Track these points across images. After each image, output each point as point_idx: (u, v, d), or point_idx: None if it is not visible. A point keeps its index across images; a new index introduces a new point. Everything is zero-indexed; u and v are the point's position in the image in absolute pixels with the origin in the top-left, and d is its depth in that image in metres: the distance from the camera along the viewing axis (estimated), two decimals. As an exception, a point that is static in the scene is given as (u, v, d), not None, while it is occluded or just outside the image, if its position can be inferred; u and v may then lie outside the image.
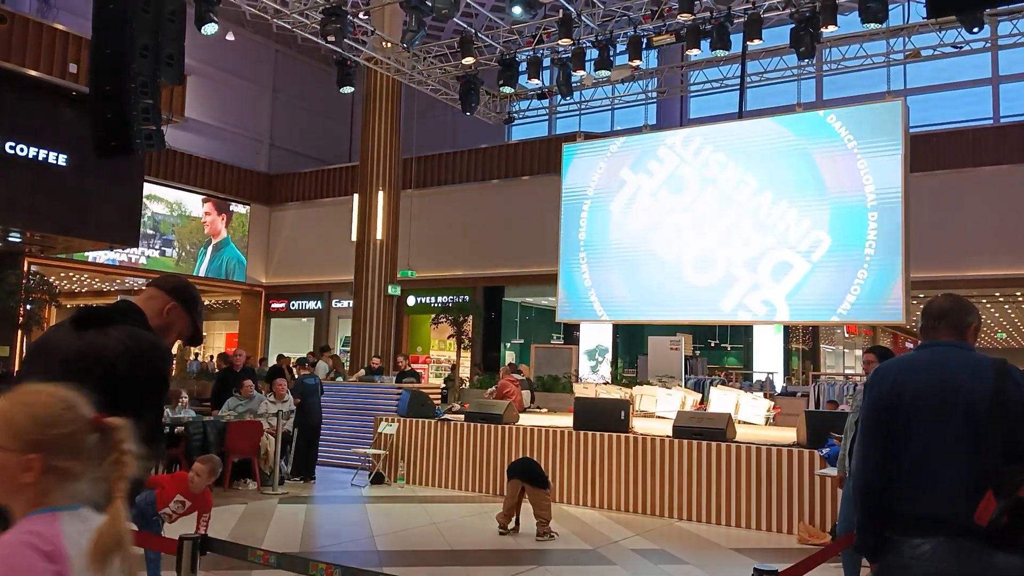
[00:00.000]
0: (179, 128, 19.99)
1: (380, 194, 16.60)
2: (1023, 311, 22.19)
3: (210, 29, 12.46)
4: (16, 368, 14.48)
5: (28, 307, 16.41)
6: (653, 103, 19.69)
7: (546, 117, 21.70)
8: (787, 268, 12.04)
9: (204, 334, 2.80)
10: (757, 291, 12.39)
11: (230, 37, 22.29)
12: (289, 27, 13.91)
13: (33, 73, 13.89)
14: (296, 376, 12.24)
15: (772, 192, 12.30)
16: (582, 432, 9.39)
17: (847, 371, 19.80)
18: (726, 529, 8.27)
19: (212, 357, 24.51)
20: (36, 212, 14.60)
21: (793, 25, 12.65)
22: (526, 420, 10.63)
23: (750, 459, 8.36)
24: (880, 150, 11.26)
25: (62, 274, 21.14)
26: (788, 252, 12.07)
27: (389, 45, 14.97)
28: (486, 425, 10.09)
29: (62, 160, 14.63)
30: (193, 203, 22.41)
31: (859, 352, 20.62)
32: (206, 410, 11.00)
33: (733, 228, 12.65)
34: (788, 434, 9.22)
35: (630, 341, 20.76)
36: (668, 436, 8.90)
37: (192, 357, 23.26)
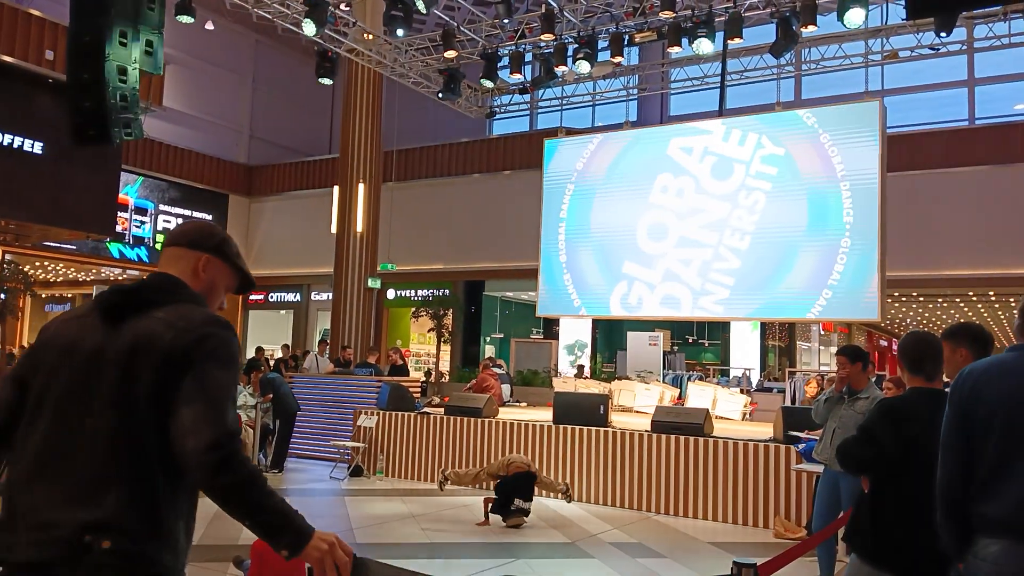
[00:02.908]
0: (158, 117, 19.78)
1: (360, 187, 16.55)
2: (995, 310, 22.53)
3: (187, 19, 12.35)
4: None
5: (2, 296, 16.22)
6: (634, 100, 19.77)
7: (528, 112, 21.72)
8: (761, 267, 12.12)
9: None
10: (725, 288, 12.47)
11: (209, 26, 22.10)
12: (269, 17, 13.81)
13: (8, 59, 13.71)
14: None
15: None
16: (561, 426, 9.44)
17: (823, 368, 20.00)
18: (703, 523, 8.35)
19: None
20: (11, 200, 14.42)
21: (773, 24, 12.75)
22: (506, 414, 10.67)
23: (727, 454, 8.44)
24: (857, 150, 11.36)
25: (37, 263, 20.88)
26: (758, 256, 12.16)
27: (371, 37, 14.90)
28: (466, 418, 10.11)
29: (38, 148, 14.46)
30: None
31: (834, 349, 20.83)
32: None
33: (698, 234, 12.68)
34: (764, 429, 9.32)
35: (609, 336, 20.87)
36: (647, 431, 8.98)
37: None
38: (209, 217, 23.15)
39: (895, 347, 26.81)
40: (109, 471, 1.79)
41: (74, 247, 19.59)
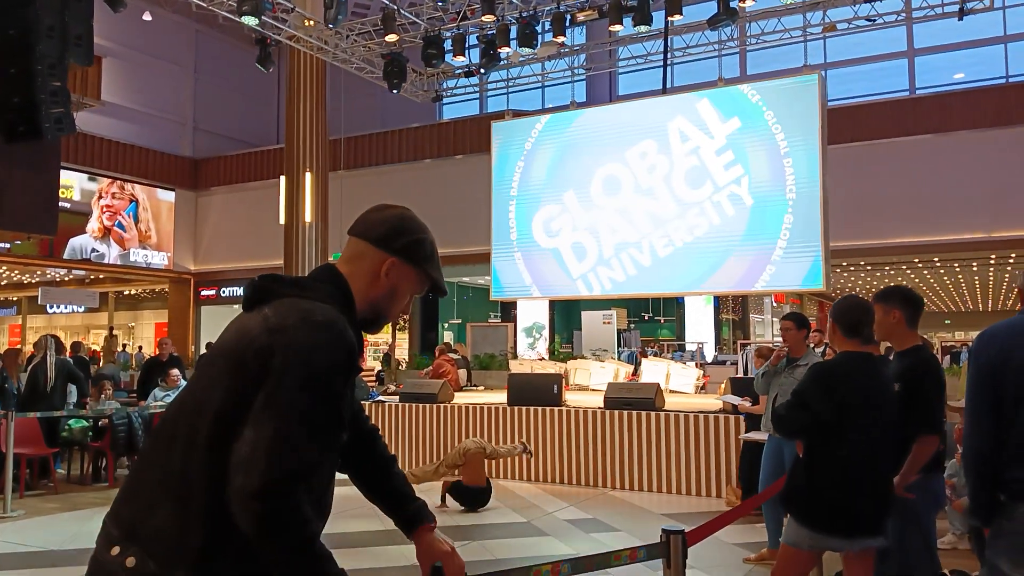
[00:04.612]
0: (98, 112, 19.34)
1: (308, 176, 16.33)
2: (940, 276, 23.07)
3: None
4: None
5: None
6: (582, 80, 19.75)
7: (476, 95, 21.60)
8: (703, 243, 12.21)
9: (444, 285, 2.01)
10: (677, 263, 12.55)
11: (147, 17, 21.60)
12: (207, 5, 13.51)
13: (-66, 56, 13.25)
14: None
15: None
16: (516, 407, 9.47)
17: (776, 339, 20.32)
18: (657, 496, 8.45)
19: (140, 348, 23.92)
20: (-55, 203, 13.98)
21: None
22: (461, 398, 10.68)
23: (678, 426, 8.55)
24: (798, 122, 11.47)
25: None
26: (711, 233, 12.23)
27: (311, 23, 14.67)
28: (421, 405, 10.09)
29: (-30, 148, 14.03)
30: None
31: (787, 320, 21.18)
32: (133, 401, 10.77)
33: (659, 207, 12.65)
34: (716, 401, 9.45)
35: (567, 317, 20.96)
36: (599, 407, 9.05)
37: (120, 348, 22.66)
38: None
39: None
40: (168, 482, 1.57)
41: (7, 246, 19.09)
